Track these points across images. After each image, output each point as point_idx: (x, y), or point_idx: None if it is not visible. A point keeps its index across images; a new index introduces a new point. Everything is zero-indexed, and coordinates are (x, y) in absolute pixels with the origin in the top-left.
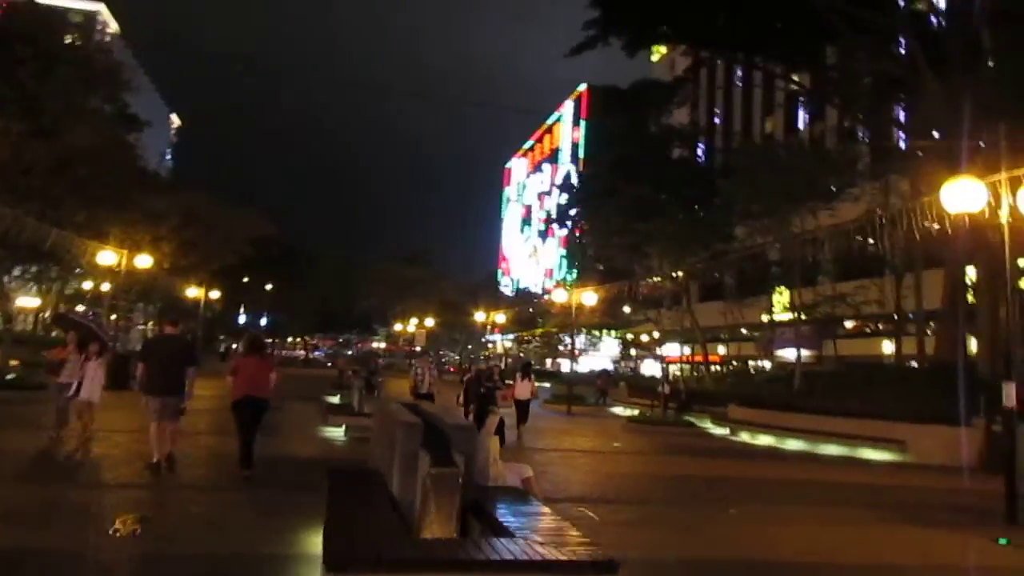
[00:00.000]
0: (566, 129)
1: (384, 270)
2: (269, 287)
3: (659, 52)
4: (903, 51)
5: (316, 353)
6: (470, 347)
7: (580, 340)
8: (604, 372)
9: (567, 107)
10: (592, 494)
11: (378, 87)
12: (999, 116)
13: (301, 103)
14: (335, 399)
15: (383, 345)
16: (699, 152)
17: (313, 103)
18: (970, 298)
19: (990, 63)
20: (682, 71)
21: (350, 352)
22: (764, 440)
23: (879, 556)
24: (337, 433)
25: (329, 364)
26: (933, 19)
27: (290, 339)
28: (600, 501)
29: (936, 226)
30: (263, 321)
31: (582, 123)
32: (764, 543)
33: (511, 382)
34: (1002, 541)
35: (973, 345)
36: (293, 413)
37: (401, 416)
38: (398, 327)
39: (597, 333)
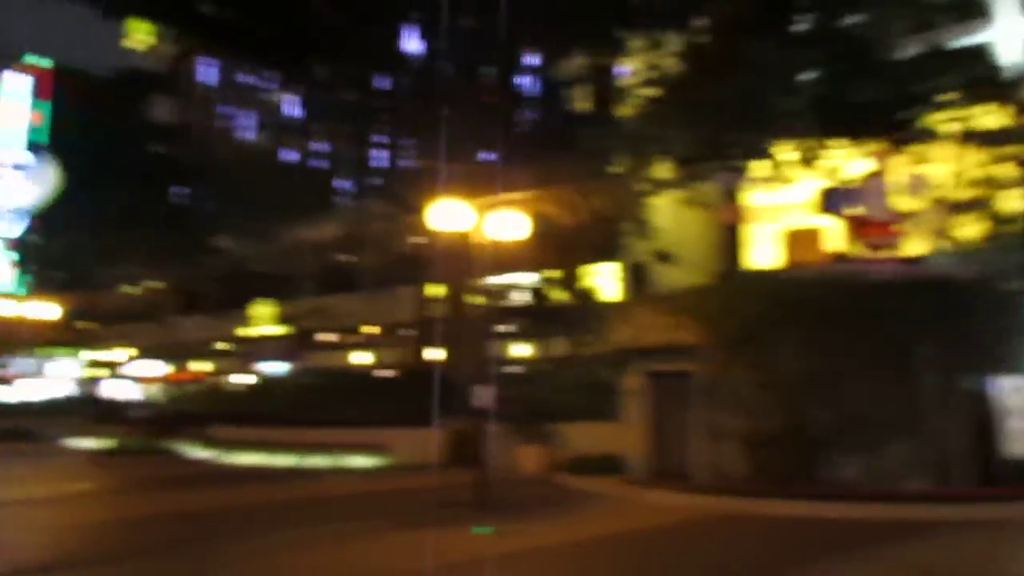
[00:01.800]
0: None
1: None
2: None
3: (145, 38)
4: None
5: None
6: None
7: (29, 362)
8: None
9: (18, 81)
10: (50, 558)
11: None
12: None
13: None
14: None
15: None
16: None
17: None
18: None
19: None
20: (172, 61)
21: None
22: (253, 459)
23: (392, 566)
24: None
25: None
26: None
27: None
28: (62, 567)
29: (414, 244)
30: None
31: (45, 105)
32: None
33: None
34: (483, 529)
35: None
36: None
37: None
38: None
39: (53, 352)
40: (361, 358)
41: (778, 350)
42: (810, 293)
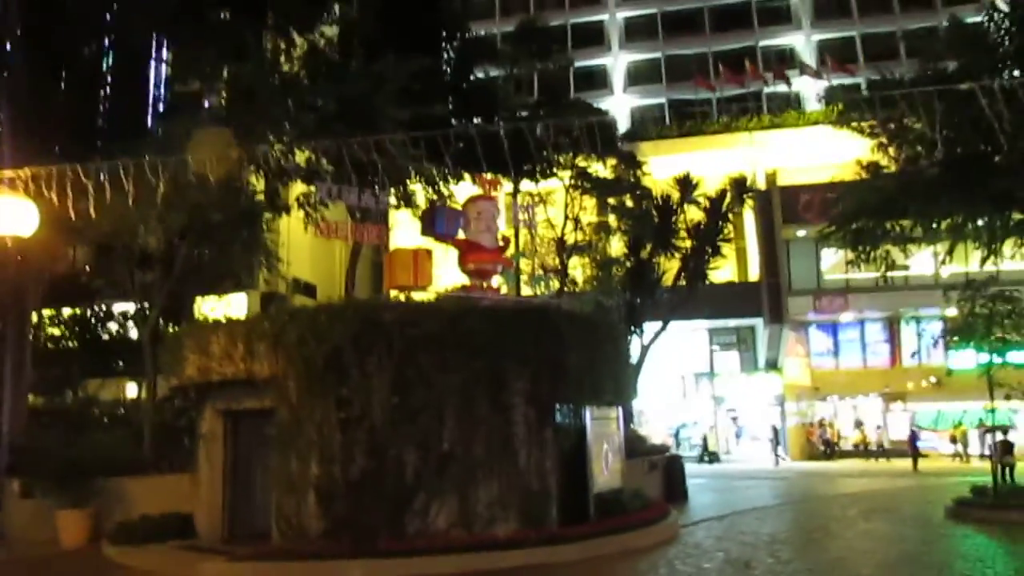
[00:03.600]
0: None
1: None
2: None
3: None
4: None
5: None
6: None
7: None
8: None
9: None
10: None
11: None
12: None
13: None
14: None
15: None
16: None
17: None
18: None
19: None
20: None
21: None
22: None
23: None
24: None
25: None
26: None
27: None
28: None
29: None
30: None
31: None
32: None
33: None
34: None
35: None
36: None
37: None
38: None
39: None
40: None
41: (368, 382)
42: (406, 318)
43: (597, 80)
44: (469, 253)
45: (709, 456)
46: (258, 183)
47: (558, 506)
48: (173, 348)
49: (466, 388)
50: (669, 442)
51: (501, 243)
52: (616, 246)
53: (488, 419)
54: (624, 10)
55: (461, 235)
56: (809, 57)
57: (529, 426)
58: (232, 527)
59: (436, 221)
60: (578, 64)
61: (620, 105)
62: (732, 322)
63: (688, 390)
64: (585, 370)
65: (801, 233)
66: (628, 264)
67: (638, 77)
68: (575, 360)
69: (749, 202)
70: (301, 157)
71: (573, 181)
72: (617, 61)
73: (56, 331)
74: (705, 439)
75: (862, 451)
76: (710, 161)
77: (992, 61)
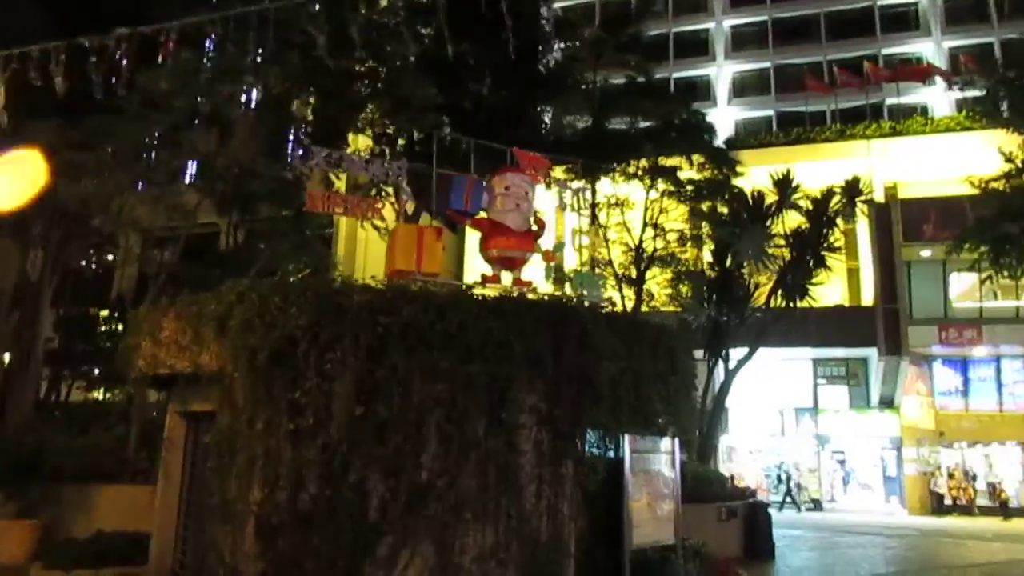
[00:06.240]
0: None
1: None
2: None
3: None
4: None
5: None
6: None
7: None
8: None
9: None
10: None
11: None
12: None
13: None
14: None
15: None
16: None
17: None
18: None
19: None
20: None
21: None
22: None
23: None
24: None
25: None
26: None
27: None
28: None
29: None
30: None
31: None
32: None
33: None
34: None
35: None
36: None
37: None
38: None
39: None
40: None
41: (327, 385)
42: (380, 304)
43: (700, 92)
44: (492, 236)
45: (809, 503)
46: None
47: (577, 564)
48: (133, 332)
49: (455, 400)
50: (763, 485)
51: (535, 227)
52: (706, 258)
53: (483, 442)
54: (732, 17)
55: (484, 215)
56: (941, 65)
57: (540, 455)
58: (184, 556)
59: (453, 194)
60: (679, 74)
61: (724, 117)
62: (841, 352)
63: (788, 427)
64: (626, 387)
65: (926, 253)
66: (712, 275)
67: (744, 88)
68: (611, 373)
69: (863, 211)
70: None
71: (651, 180)
72: (721, 71)
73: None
74: (793, 483)
75: (994, 508)
76: (820, 172)
77: None
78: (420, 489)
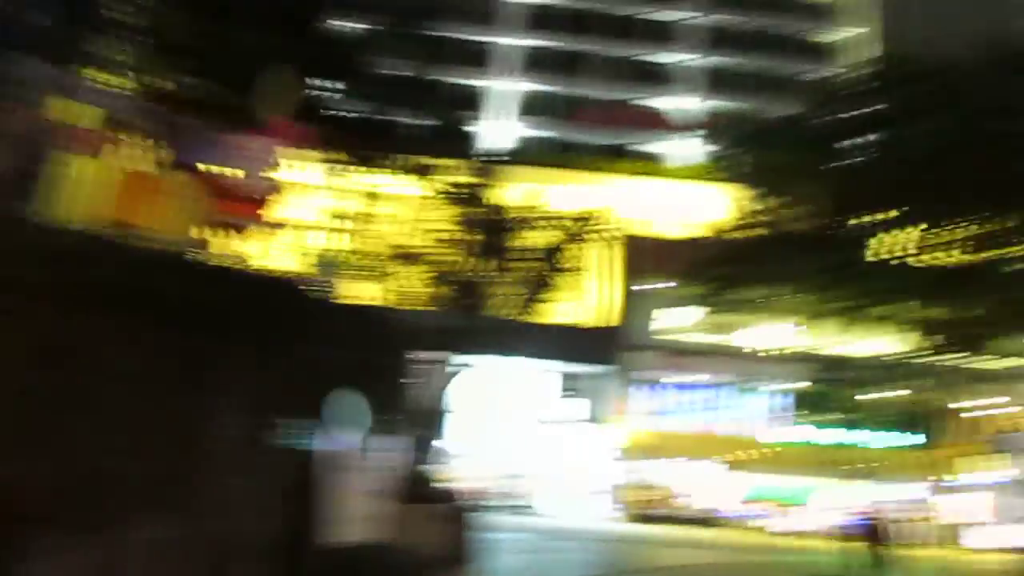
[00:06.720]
0: None
1: None
2: None
3: None
4: None
5: None
6: None
7: None
8: None
9: None
10: None
11: None
12: None
13: None
14: None
15: None
16: None
17: None
18: None
19: None
20: None
21: None
22: None
23: None
24: None
25: None
26: None
27: None
28: None
29: None
30: None
31: None
32: None
33: None
34: None
35: None
36: None
37: None
38: None
39: None
40: None
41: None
42: (84, 255)
43: (491, 103)
44: (221, 198)
45: (523, 508)
46: None
47: (272, 561)
48: None
49: (149, 372)
50: (490, 489)
51: (269, 196)
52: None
53: (174, 424)
54: (524, 38)
55: (224, 171)
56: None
57: (239, 443)
58: None
59: (198, 147)
60: (467, 82)
61: (507, 133)
62: (583, 368)
63: (519, 434)
64: (344, 378)
65: (654, 286)
66: (456, 279)
67: (534, 108)
68: (331, 361)
69: (602, 241)
70: None
71: (418, 177)
72: (513, 87)
73: None
74: (514, 488)
75: (697, 518)
76: (574, 198)
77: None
78: (87, 473)
